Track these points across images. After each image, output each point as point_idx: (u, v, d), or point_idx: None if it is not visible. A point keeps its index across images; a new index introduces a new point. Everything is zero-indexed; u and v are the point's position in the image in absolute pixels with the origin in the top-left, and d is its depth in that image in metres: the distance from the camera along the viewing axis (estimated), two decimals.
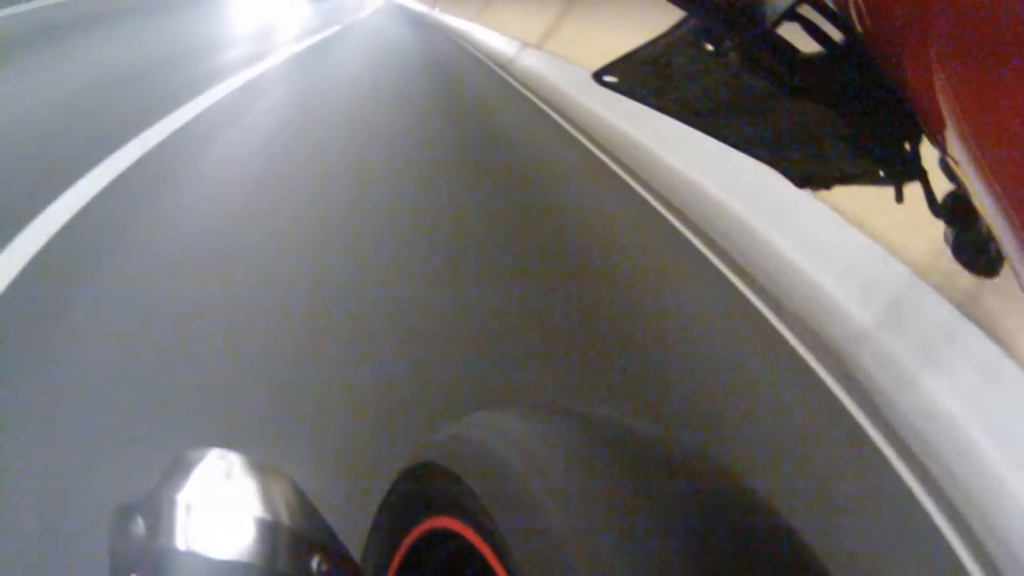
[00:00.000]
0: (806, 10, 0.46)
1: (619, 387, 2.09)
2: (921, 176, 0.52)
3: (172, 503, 0.58)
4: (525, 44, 8.20)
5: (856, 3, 0.42)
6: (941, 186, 0.51)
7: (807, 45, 0.48)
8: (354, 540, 0.67)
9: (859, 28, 0.43)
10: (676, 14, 0.49)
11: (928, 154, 0.48)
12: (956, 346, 2.04)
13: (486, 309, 2.53)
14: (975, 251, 0.50)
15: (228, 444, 0.65)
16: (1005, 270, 0.45)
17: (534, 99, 6.43)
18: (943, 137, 0.36)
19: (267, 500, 0.60)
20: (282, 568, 0.58)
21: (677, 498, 0.46)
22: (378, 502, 0.66)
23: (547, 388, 2.06)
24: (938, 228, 0.54)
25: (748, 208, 3.19)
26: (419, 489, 0.60)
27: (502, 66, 8.21)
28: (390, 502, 0.64)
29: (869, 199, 2.60)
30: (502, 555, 0.48)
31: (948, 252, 0.52)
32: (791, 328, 2.41)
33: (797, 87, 0.49)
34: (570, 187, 4.15)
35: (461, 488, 0.52)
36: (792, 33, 0.47)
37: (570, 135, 5.13)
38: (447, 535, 0.56)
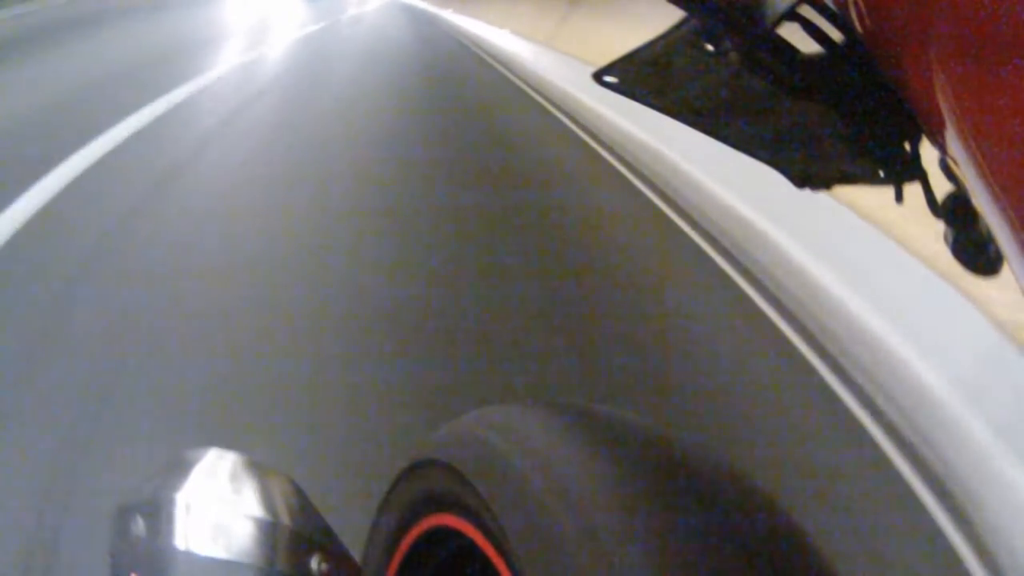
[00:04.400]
0: (806, 10, 0.46)
1: (620, 386, 2.09)
2: (921, 176, 0.52)
3: (172, 503, 0.58)
4: None
5: (856, 3, 0.42)
6: (941, 186, 0.51)
7: (807, 45, 0.48)
8: (354, 540, 0.67)
9: (859, 28, 0.43)
10: (676, 14, 0.49)
11: (928, 154, 0.48)
12: (964, 342, 2.04)
13: (486, 309, 2.52)
14: (975, 251, 0.50)
15: (228, 444, 0.65)
16: (1005, 270, 0.45)
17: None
18: (943, 137, 0.36)
19: (267, 500, 0.60)
20: (282, 568, 0.58)
21: (681, 496, 0.46)
22: (378, 502, 0.66)
23: (548, 387, 2.06)
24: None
25: (750, 204, 3.19)
26: (420, 487, 0.60)
27: None
28: (391, 500, 0.64)
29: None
30: (504, 553, 0.48)
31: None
32: (794, 326, 2.41)
33: (797, 87, 0.49)
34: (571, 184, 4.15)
35: (463, 485, 0.52)
36: (792, 33, 0.47)
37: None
38: (448, 533, 0.56)
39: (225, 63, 7.45)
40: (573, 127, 4.93)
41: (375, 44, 9.61)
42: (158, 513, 0.58)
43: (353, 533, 0.68)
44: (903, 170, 0.53)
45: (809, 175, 0.60)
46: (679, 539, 0.42)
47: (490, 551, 0.49)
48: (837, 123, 0.52)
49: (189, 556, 0.57)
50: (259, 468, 0.63)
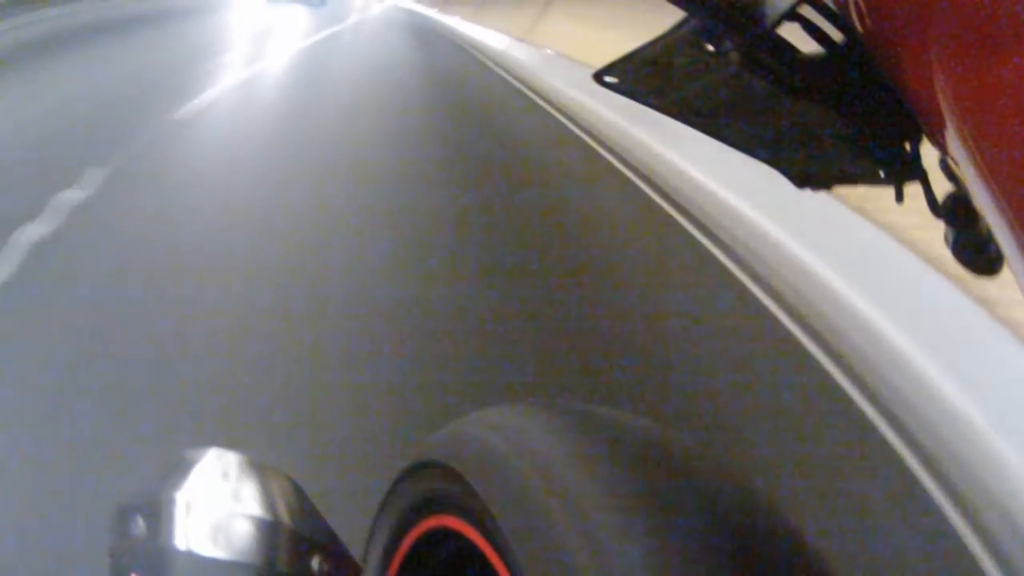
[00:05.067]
0: (806, 10, 0.46)
1: (620, 386, 2.09)
2: (921, 176, 0.52)
3: (172, 503, 0.58)
4: None
5: (856, 3, 0.42)
6: (941, 186, 0.51)
7: (807, 45, 0.48)
8: (354, 540, 0.67)
9: (859, 28, 0.43)
10: (676, 14, 0.49)
11: (928, 154, 0.48)
12: (970, 338, 2.03)
13: (486, 309, 2.52)
14: (975, 251, 0.50)
15: (228, 444, 0.65)
16: (1005, 270, 0.45)
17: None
18: (943, 137, 0.36)
19: (267, 500, 0.60)
20: (282, 568, 0.58)
21: (679, 496, 0.46)
22: (378, 502, 0.66)
23: (548, 388, 2.06)
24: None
25: (751, 201, 3.18)
26: (420, 488, 0.60)
27: None
28: (391, 501, 0.64)
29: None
30: (503, 554, 0.48)
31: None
32: (796, 323, 2.41)
33: (797, 87, 0.49)
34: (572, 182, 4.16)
35: (462, 486, 0.52)
36: (792, 33, 0.47)
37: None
38: (448, 534, 0.55)
39: (233, 69, 7.50)
40: (479, 56, 10.04)
41: (384, 26, 15.56)
42: (158, 513, 0.58)
43: (353, 533, 0.68)
44: (903, 170, 0.53)
45: (809, 175, 0.60)
46: (678, 539, 0.42)
47: (489, 552, 0.49)
48: (837, 123, 0.52)
49: (189, 556, 0.56)
50: (259, 468, 0.63)
